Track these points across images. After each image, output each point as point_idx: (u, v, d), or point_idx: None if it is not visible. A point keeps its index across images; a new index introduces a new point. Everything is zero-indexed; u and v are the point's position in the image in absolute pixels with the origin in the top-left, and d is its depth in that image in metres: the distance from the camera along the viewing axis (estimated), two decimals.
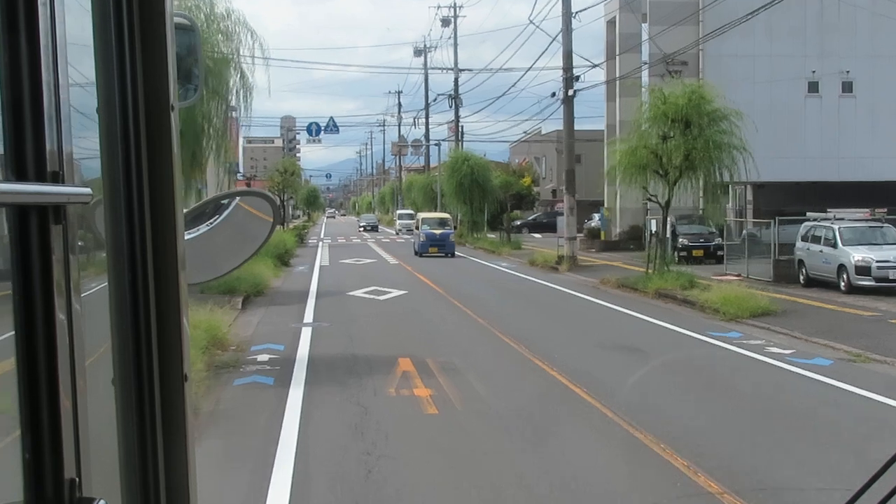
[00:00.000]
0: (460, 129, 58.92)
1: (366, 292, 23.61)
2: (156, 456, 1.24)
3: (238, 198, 2.40)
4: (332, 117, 53.76)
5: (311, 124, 53.93)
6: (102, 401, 1.19)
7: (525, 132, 65.42)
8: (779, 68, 34.74)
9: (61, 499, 0.99)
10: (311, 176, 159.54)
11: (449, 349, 14.26)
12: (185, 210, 1.40)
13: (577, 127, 66.23)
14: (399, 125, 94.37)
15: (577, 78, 30.81)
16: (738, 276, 26.04)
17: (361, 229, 71.04)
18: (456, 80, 57.91)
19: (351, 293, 23.48)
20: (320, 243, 53.73)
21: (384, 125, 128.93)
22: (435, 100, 61.87)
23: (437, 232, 40.27)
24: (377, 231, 69.46)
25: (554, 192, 71.30)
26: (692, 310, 19.39)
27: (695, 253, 30.60)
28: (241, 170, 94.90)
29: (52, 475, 0.98)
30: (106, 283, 1.21)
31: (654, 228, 33.68)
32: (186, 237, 1.38)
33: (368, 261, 37.61)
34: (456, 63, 58.03)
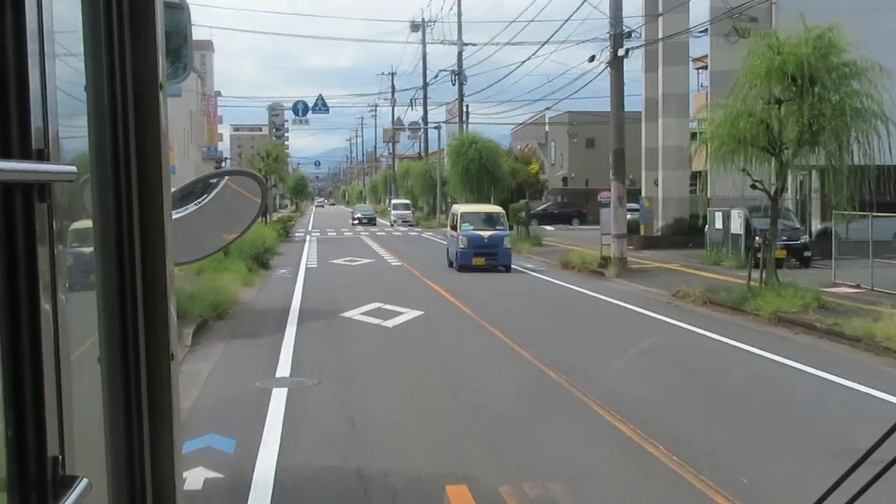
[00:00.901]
0: (465, 110, 52.53)
1: (366, 313, 17.28)
2: (141, 435, 1.22)
3: (227, 177, 2.29)
4: (321, 95, 47.27)
5: (297, 103, 47.26)
6: (88, 379, 1.18)
7: (549, 108, 58.73)
8: (870, 26, 28.44)
9: (44, 477, 0.98)
10: (298, 164, 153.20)
11: (532, 453, 7.95)
12: (173, 189, 1.39)
13: (590, 108, 59.82)
14: (392, 108, 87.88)
15: (629, 34, 24.48)
16: (857, 286, 19.81)
17: (356, 222, 60.56)
18: (459, 55, 51.53)
19: (346, 314, 17.16)
20: (308, 237, 47.41)
21: (376, 109, 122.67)
22: (436, 76, 55.34)
23: (486, 234, 26.75)
24: (374, 224, 60.65)
25: (565, 179, 65.05)
26: (854, 349, 13.11)
27: (777, 254, 24.23)
28: (226, 155, 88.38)
29: (35, 453, 0.97)
30: (93, 262, 1.20)
31: (720, 223, 27.50)
32: (174, 216, 1.35)
33: (365, 261, 31.29)
34: (460, 34, 51.61)
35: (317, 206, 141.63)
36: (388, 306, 17.96)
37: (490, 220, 27.98)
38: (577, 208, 60.06)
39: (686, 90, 33.31)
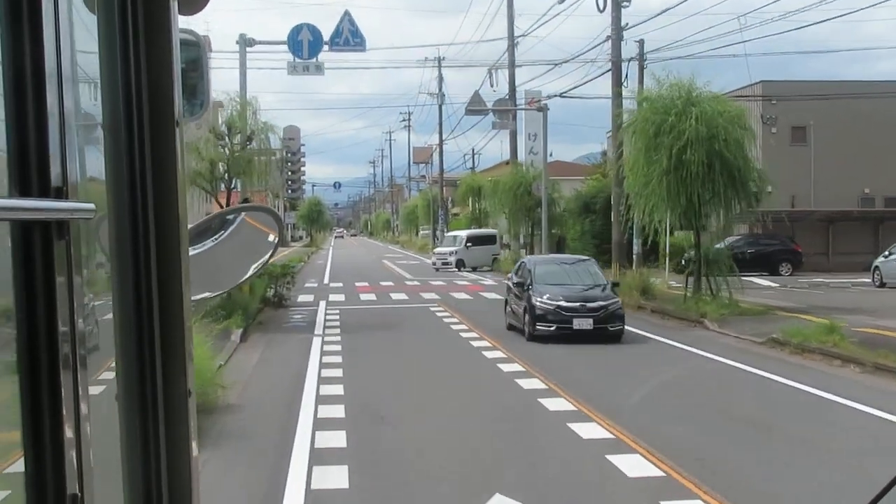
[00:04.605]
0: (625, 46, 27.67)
1: None
2: (159, 472, 1.22)
3: (244, 213, 2.30)
4: (347, 12, 22.70)
5: (297, 29, 22.65)
6: (106, 416, 1.20)
7: None
8: None
9: None
10: (314, 185, 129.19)
11: None
12: (190, 225, 1.39)
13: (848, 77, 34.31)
14: (440, 86, 63.28)
15: None
16: None
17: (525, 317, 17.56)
18: None
19: None
20: (322, 310, 22.82)
21: (409, 117, 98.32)
22: None
23: None
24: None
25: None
26: None
27: None
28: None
29: (54, 492, 0.97)
30: (110, 299, 1.21)
31: None
32: (191, 253, 1.33)
33: None
34: None
35: (336, 237, 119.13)
36: None
37: None
38: (784, 245, 34.84)
39: None
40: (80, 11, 1.10)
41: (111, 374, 1.21)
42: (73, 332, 1.00)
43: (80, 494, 1.00)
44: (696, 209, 20.71)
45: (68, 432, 0.99)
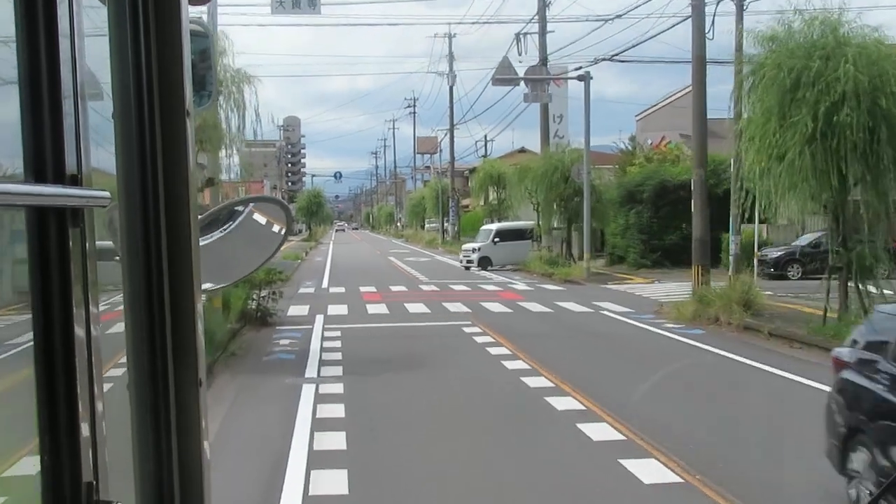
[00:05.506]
0: None
1: None
2: (170, 460, 1.23)
3: (252, 204, 2.26)
4: None
5: None
6: (118, 405, 1.20)
7: None
8: None
9: (78, 502, 0.99)
10: (314, 175, 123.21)
11: None
12: (199, 216, 1.41)
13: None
14: (451, 86, 57.39)
15: None
16: None
17: None
18: None
19: None
20: (318, 323, 16.77)
21: (414, 103, 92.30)
22: None
23: None
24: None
25: None
26: None
27: None
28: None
29: (70, 479, 0.98)
30: (121, 288, 1.20)
31: None
32: (200, 243, 1.37)
33: None
34: None
35: (337, 231, 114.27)
36: None
37: None
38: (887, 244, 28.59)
39: None
40: (91, 1, 1.10)
41: (123, 363, 1.20)
42: (87, 320, 1.00)
43: (95, 482, 1.00)
44: (846, 193, 14.71)
45: (83, 420, 0.98)
